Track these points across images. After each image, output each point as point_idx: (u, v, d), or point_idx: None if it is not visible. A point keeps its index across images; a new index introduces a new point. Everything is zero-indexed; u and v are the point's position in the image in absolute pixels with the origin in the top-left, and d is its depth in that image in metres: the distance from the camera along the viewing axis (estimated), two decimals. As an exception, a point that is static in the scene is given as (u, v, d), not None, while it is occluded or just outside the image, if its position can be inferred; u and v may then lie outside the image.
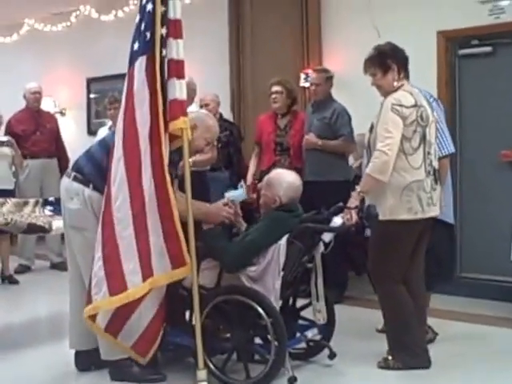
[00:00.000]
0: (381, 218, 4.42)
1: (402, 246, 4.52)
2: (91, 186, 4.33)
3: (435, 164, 4.58)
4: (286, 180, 4.54)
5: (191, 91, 6.36)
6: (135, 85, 4.13)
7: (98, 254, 4.11)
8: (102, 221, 4.15)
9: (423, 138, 4.47)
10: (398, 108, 4.40)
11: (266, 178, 4.70)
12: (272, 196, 4.50)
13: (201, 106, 6.89)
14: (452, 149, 4.95)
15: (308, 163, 6.58)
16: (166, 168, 4.12)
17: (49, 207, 5.63)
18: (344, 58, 7.34)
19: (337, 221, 4.43)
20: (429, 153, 4.51)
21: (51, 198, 5.85)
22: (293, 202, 4.54)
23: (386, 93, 4.60)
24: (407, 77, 4.66)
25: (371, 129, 4.61)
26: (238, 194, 4.91)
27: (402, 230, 4.45)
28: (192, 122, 4.27)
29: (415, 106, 4.45)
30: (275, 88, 6.85)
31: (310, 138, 6.48)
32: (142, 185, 4.08)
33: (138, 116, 4.10)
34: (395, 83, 4.57)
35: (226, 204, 4.60)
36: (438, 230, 4.83)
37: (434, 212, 4.57)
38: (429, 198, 4.48)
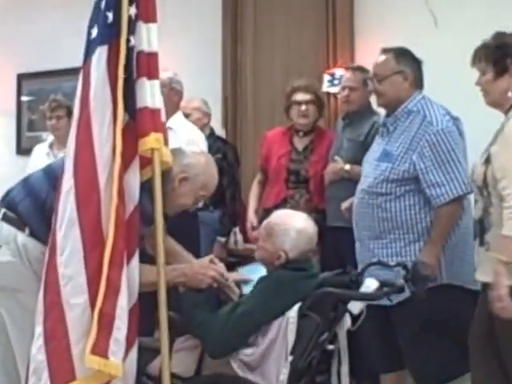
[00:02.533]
0: None
1: None
2: (27, 230, 3.80)
3: None
4: (294, 227, 3.97)
5: (174, 94, 5.75)
6: (92, 87, 3.61)
7: (39, 328, 3.51)
8: (44, 281, 3.57)
9: None
10: None
11: (264, 223, 4.14)
12: (274, 250, 3.94)
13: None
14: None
15: (332, 202, 5.66)
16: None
17: None
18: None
19: (370, 284, 3.92)
20: None
21: None
22: (305, 257, 4.01)
23: (494, 103, 3.98)
24: None
25: (487, 160, 3.93)
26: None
27: None
28: (181, 172, 3.79)
29: None
30: (303, 96, 5.88)
31: (335, 164, 5.61)
32: (102, 230, 3.51)
33: (95, 132, 3.58)
34: (510, 94, 3.86)
35: (211, 261, 4.05)
36: None
37: None
38: None
